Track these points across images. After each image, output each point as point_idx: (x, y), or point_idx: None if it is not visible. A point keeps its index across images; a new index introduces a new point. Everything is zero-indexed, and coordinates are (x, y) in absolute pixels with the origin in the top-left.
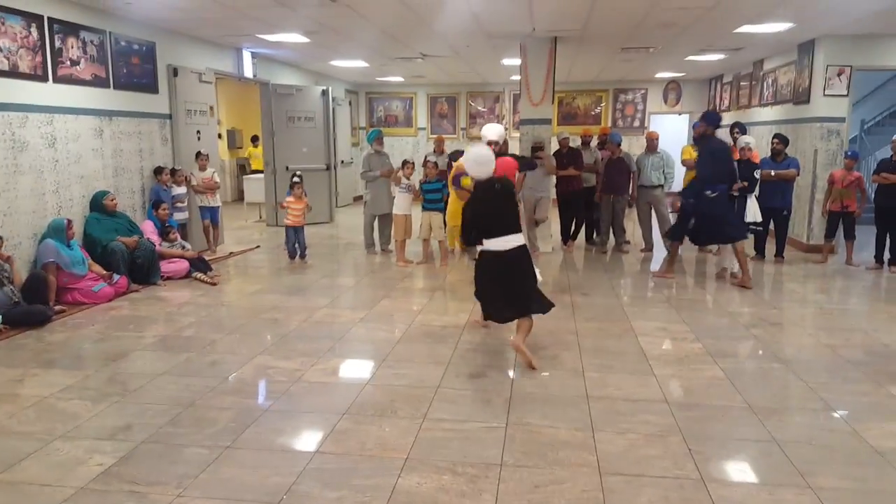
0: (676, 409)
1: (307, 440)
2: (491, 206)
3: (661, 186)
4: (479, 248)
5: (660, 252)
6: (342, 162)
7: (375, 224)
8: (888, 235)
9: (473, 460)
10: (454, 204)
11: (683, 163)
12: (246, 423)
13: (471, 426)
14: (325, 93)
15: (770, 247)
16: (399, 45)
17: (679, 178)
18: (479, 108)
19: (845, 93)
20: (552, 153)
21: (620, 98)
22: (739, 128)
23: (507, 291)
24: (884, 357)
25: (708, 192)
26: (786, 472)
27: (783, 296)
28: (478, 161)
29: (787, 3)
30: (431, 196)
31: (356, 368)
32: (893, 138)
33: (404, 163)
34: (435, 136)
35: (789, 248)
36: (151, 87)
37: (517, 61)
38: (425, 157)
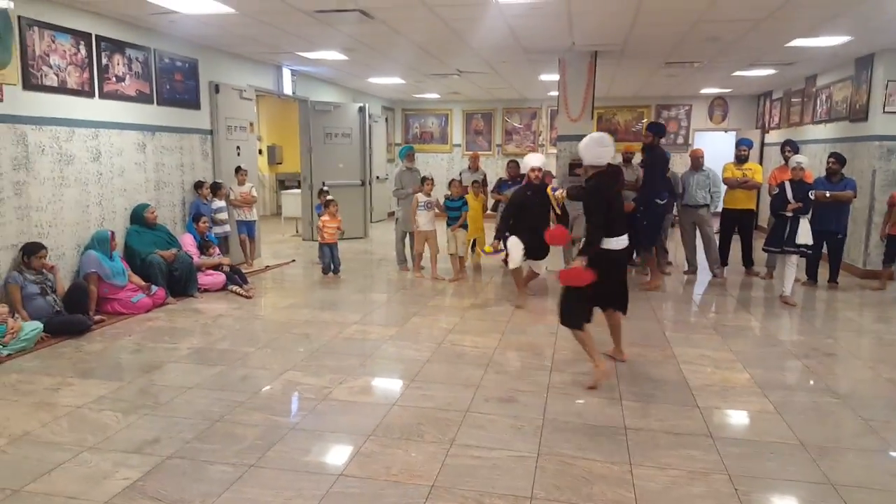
0: (721, 444)
1: (332, 462)
2: (615, 201)
3: (707, 206)
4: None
5: (704, 275)
6: (377, 178)
7: (407, 240)
8: None
9: (502, 491)
10: (475, 221)
11: (725, 181)
12: (272, 441)
13: (500, 454)
14: (362, 110)
15: (823, 272)
16: (435, 61)
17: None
18: (516, 124)
19: None
20: None
21: (663, 114)
22: (791, 146)
23: (612, 289)
24: None
25: (657, 201)
26: None
27: (838, 324)
28: (601, 143)
29: (845, 15)
30: (453, 214)
31: (384, 388)
32: None
33: (423, 179)
34: (470, 152)
35: (844, 274)
36: (193, 103)
37: (555, 77)
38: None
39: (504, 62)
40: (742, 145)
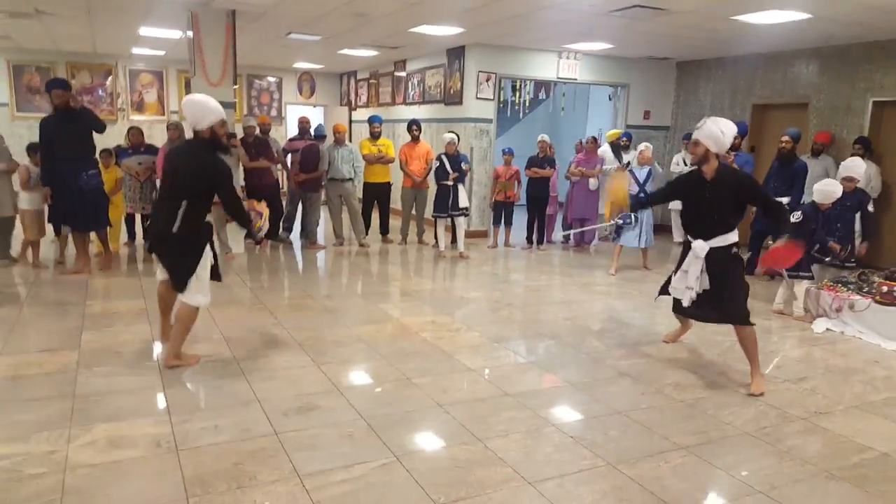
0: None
1: None
2: None
3: (352, 180)
4: None
5: (352, 245)
6: None
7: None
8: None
9: None
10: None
11: (364, 157)
12: None
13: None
14: None
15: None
16: None
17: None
18: (86, 83)
19: (492, 97)
20: None
21: (255, 84)
22: (416, 124)
23: None
24: None
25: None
26: None
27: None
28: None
29: (469, 10)
30: None
31: (137, 434)
32: (539, 139)
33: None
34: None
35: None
36: None
37: (161, 32)
38: None
39: (107, 9)
40: (374, 122)
